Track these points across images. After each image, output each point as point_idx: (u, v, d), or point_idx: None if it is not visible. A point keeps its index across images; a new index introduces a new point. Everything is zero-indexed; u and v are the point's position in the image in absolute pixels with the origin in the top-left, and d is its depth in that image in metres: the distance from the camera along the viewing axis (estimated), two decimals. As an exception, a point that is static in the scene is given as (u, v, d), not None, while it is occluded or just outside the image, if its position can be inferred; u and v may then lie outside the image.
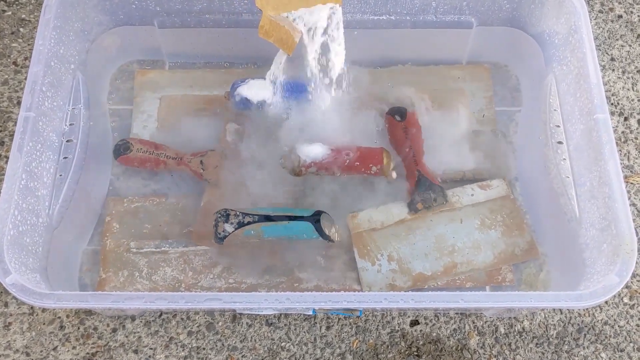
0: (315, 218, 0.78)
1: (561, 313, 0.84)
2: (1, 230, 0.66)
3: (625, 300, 0.85)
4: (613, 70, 1.01)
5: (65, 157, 0.78)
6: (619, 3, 1.06)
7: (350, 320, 0.83)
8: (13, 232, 0.67)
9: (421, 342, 0.82)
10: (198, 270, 0.81)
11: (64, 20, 0.80)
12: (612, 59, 1.02)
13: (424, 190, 0.83)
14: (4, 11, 1.04)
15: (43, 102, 0.75)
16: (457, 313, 0.83)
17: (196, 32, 0.90)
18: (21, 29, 1.03)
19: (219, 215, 0.78)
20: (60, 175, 0.77)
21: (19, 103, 0.95)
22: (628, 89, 0.99)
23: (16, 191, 0.68)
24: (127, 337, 0.82)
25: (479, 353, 0.81)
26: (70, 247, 0.81)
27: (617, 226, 0.67)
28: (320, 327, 0.83)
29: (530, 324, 0.83)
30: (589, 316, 0.84)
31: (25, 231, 0.70)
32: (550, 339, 0.82)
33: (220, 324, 0.82)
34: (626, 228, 0.67)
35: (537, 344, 0.82)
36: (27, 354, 0.80)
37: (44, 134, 0.75)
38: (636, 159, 0.94)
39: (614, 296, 0.84)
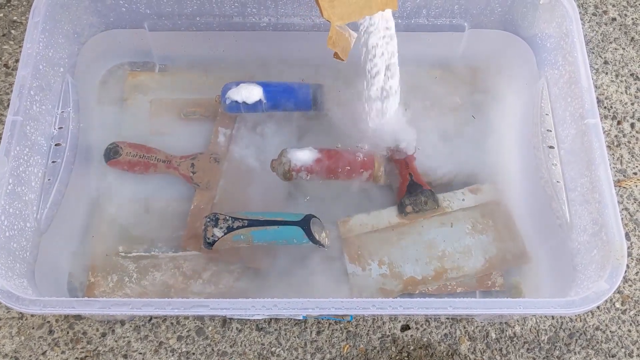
0: (305, 223, 0.78)
1: (552, 318, 0.83)
2: (-13, 235, 0.66)
3: (617, 305, 0.85)
4: (606, 73, 1.00)
5: (54, 161, 0.78)
6: (613, 6, 1.06)
7: (341, 325, 0.83)
8: (0, 238, 0.67)
9: (412, 347, 0.81)
10: (188, 275, 0.81)
11: (53, 23, 0.80)
12: (606, 62, 1.01)
13: (415, 195, 0.83)
14: (-5, 13, 1.04)
15: (31, 106, 0.74)
16: (448, 318, 0.83)
17: (187, 35, 0.90)
18: (12, 31, 1.03)
19: (208, 219, 0.77)
20: (49, 180, 0.77)
21: (9, 106, 0.95)
22: (621, 93, 0.99)
23: (3, 196, 0.68)
24: (116, 341, 0.81)
25: (470, 358, 0.81)
26: (59, 251, 0.80)
27: (607, 232, 0.67)
28: (311, 332, 0.82)
29: (522, 329, 0.83)
30: (580, 321, 0.83)
31: (13, 236, 0.70)
32: (542, 344, 0.82)
33: (210, 328, 0.82)
34: (616, 234, 0.66)
35: (528, 349, 0.82)
36: (16, 359, 0.80)
37: (32, 137, 0.74)
38: (629, 162, 0.94)
39: (606, 301, 0.84)
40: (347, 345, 0.81)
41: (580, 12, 1.04)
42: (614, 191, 0.69)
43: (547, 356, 0.81)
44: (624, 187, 0.92)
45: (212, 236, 0.77)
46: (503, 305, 0.64)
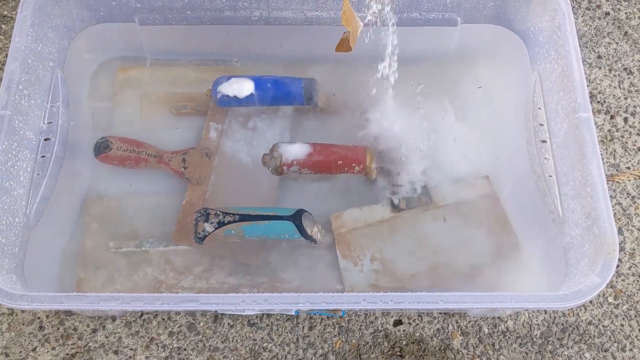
0: (297, 217, 0.77)
1: (545, 313, 0.83)
2: (-25, 231, 0.65)
3: (610, 299, 0.85)
4: (600, 68, 1.00)
5: (43, 156, 0.77)
6: (607, 0, 1.06)
7: (333, 320, 0.82)
8: (-13, 233, 0.67)
9: (404, 342, 0.81)
10: (179, 270, 0.80)
11: (43, 17, 0.79)
12: (599, 57, 1.01)
13: (407, 189, 0.83)
14: (-15, 7, 1.03)
15: (20, 101, 0.74)
16: (440, 313, 0.83)
17: (178, 29, 0.89)
18: (3, 26, 1.02)
19: (199, 214, 0.77)
20: (38, 174, 0.76)
21: None
22: (615, 87, 0.99)
23: (-10, 191, 0.68)
24: (107, 337, 0.81)
25: (462, 353, 0.81)
26: (49, 246, 0.79)
27: (599, 226, 0.67)
28: (303, 327, 0.82)
29: (514, 323, 0.82)
30: (573, 316, 0.83)
31: (1, 231, 0.69)
32: (534, 339, 0.82)
33: (201, 324, 0.82)
34: (608, 228, 0.66)
35: (520, 344, 0.81)
36: (6, 355, 0.79)
37: (21, 132, 0.74)
38: (622, 157, 0.93)
39: (599, 296, 0.84)
40: (340, 341, 0.81)
41: (573, 7, 1.04)
42: (606, 185, 0.68)
43: (539, 351, 0.81)
44: (617, 182, 0.92)
45: (203, 231, 0.76)
46: (494, 299, 0.64)
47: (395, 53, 0.79)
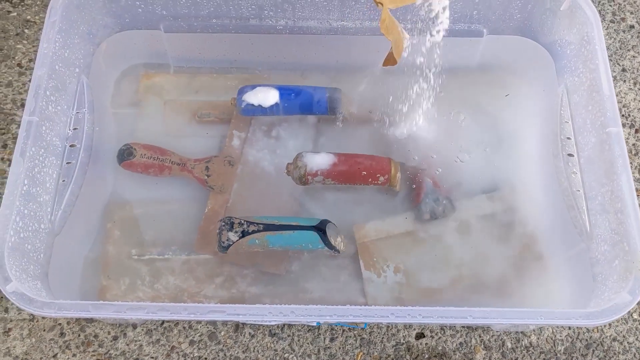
0: (321, 228, 0.77)
1: (569, 328, 0.82)
2: (2, 236, 0.65)
3: (635, 316, 0.84)
4: (624, 81, 0.99)
5: (68, 162, 0.77)
6: (631, 13, 1.05)
7: (355, 332, 0.82)
8: (14, 239, 0.66)
9: (426, 356, 0.80)
10: (201, 279, 0.80)
11: (69, 23, 0.79)
12: (624, 70, 1.00)
13: (432, 201, 0.82)
14: (9, 12, 1.03)
15: (47, 107, 0.74)
16: (463, 326, 0.82)
17: (203, 36, 0.89)
18: (26, 31, 1.02)
19: (223, 223, 0.77)
20: (63, 181, 0.76)
21: (22, 105, 0.94)
22: (639, 101, 0.98)
23: (18, 197, 0.67)
24: (128, 345, 0.80)
25: (485, 368, 0.80)
26: (72, 253, 0.79)
27: (629, 242, 0.66)
28: (324, 338, 0.81)
29: (538, 338, 0.82)
30: (597, 332, 0.82)
31: (27, 238, 0.69)
32: (558, 355, 0.81)
33: (222, 333, 0.81)
34: (639, 244, 0.65)
35: (544, 359, 0.80)
36: (27, 361, 0.79)
37: (47, 138, 0.74)
38: (647, 172, 0.93)
39: (624, 312, 0.83)
40: (361, 353, 0.80)
41: (597, 19, 1.03)
42: (636, 200, 0.68)
43: (563, 367, 0.80)
44: (642, 197, 0.91)
45: (227, 240, 0.76)
46: (523, 315, 0.64)
47: (437, 64, 0.78)
